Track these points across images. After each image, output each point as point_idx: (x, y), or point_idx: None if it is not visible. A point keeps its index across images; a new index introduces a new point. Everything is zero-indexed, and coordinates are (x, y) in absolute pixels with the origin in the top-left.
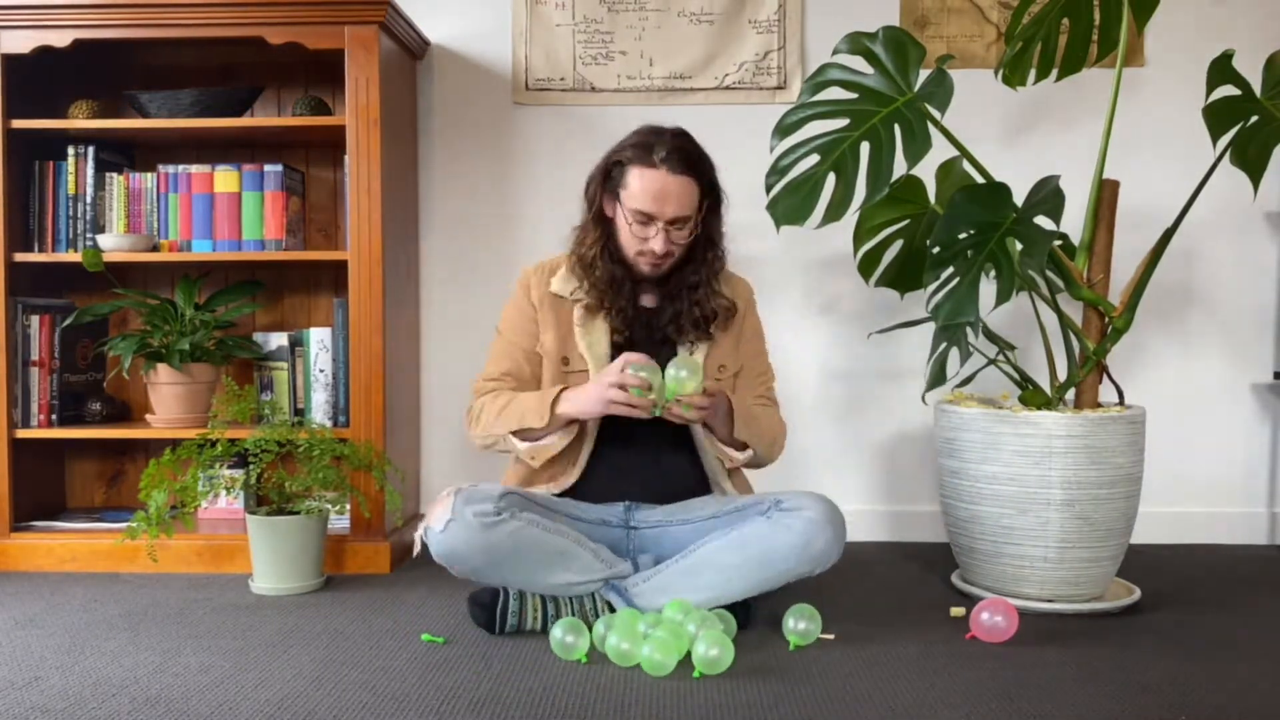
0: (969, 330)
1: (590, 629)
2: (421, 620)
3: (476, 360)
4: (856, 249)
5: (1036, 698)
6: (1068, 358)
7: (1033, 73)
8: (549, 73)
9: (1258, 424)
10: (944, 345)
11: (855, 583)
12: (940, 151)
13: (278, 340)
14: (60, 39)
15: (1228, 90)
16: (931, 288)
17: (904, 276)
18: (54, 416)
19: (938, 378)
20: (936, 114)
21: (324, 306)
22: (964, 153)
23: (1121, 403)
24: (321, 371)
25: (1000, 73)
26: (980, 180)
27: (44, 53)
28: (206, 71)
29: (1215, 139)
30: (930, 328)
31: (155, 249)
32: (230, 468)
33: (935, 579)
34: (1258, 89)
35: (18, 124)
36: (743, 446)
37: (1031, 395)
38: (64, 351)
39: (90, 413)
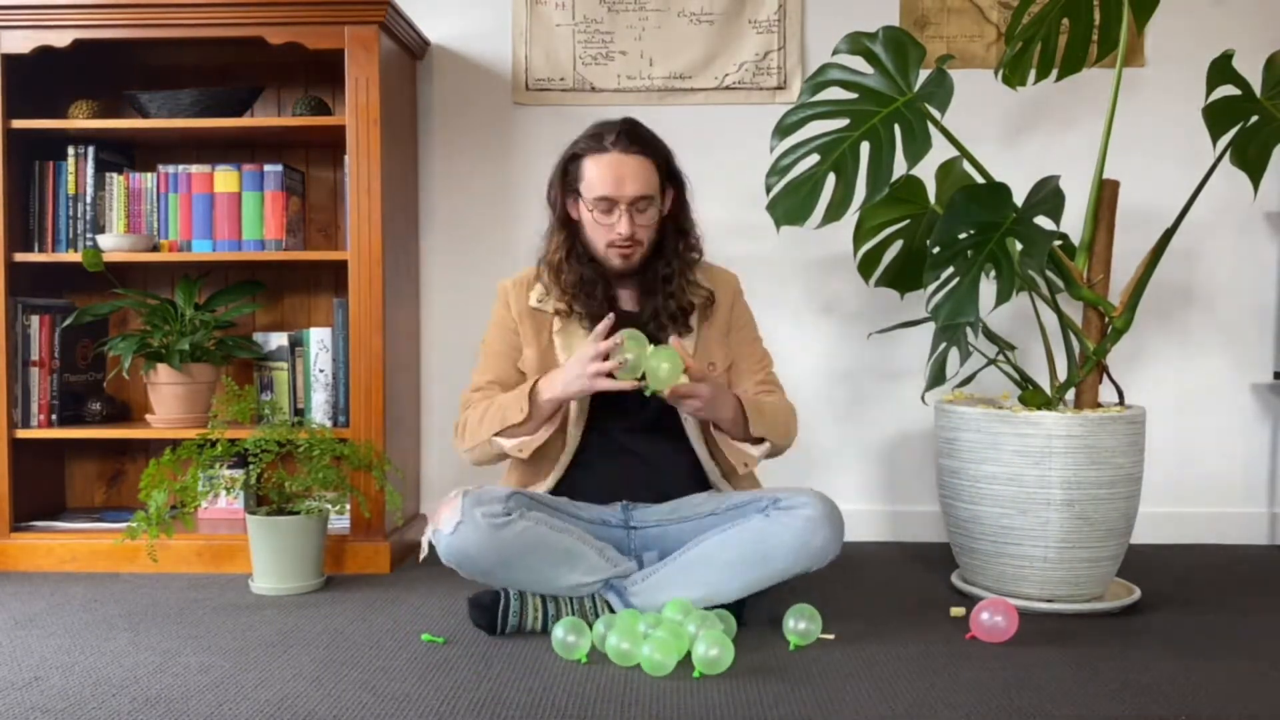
0: (969, 330)
1: (590, 629)
2: (421, 620)
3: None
4: (856, 249)
5: (1036, 698)
6: (1068, 358)
7: (1033, 73)
8: (549, 73)
9: (1258, 424)
10: (944, 345)
11: (855, 583)
12: (940, 151)
13: (278, 340)
14: (60, 39)
15: (1228, 90)
16: (931, 288)
17: (904, 276)
18: (54, 416)
19: (937, 378)
20: (936, 114)
21: (324, 306)
22: (964, 153)
23: (1121, 403)
24: (321, 371)
25: (1000, 73)
26: (980, 180)
27: (44, 53)
28: (206, 71)
29: (1215, 139)
30: (930, 328)
31: (155, 249)
32: (230, 468)
33: (935, 579)
34: (1258, 89)
35: (18, 124)
36: (758, 441)
37: (1031, 395)
38: (64, 351)
39: (90, 413)
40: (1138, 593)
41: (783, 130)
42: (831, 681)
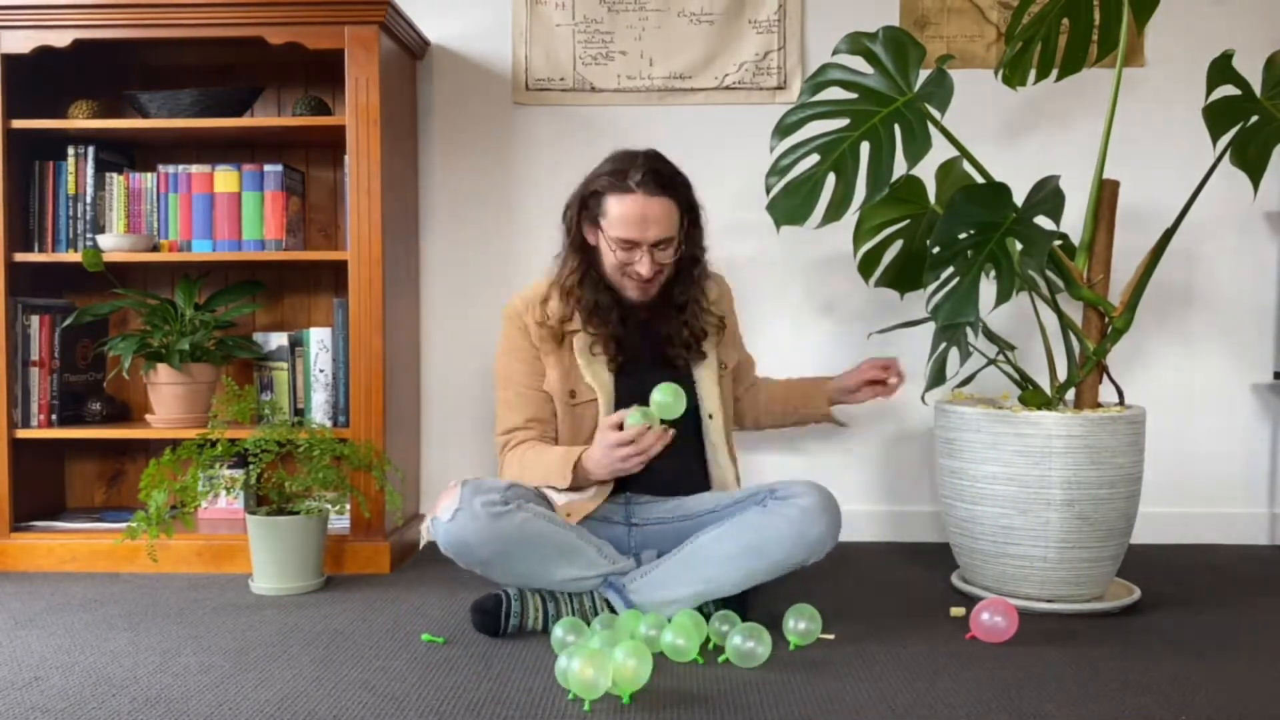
0: (969, 330)
1: (589, 626)
2: (421, 620)
3: (476, 361)
4: (856, 249)
5: (1036, 698)
6: (1068, 358)
7: (1033, 73)
8: (549, 73)
9: (1258, 424)
10: (944, 345)
11: (855, 583)
12: (940, 151)
13: (278, 340)
14: (60, 39)
15: (1228, 90)
16: (931, 288)
17: (904, 276)
18: (54, 416)
19: (937, 378)
20: (936, 114)
21: (324, 306)
22: (964, 153)
23: (1121, 403)
24: (321, 371)
25: (1000, 73)
26: (980, 180)
27: (44, 53)
28: (206, 71)
29: (1215, 139)
30: (930, 328)
31: (155, 249)
32: (230, 468)
33: (935, 579)
34: (1258, 89)
35: (18, 124)
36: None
37: (1031, 395)
38: (64, 351)
39: (90, 413)
40: (1138, 593)
41: (783, 130)
42: (831, 681)
